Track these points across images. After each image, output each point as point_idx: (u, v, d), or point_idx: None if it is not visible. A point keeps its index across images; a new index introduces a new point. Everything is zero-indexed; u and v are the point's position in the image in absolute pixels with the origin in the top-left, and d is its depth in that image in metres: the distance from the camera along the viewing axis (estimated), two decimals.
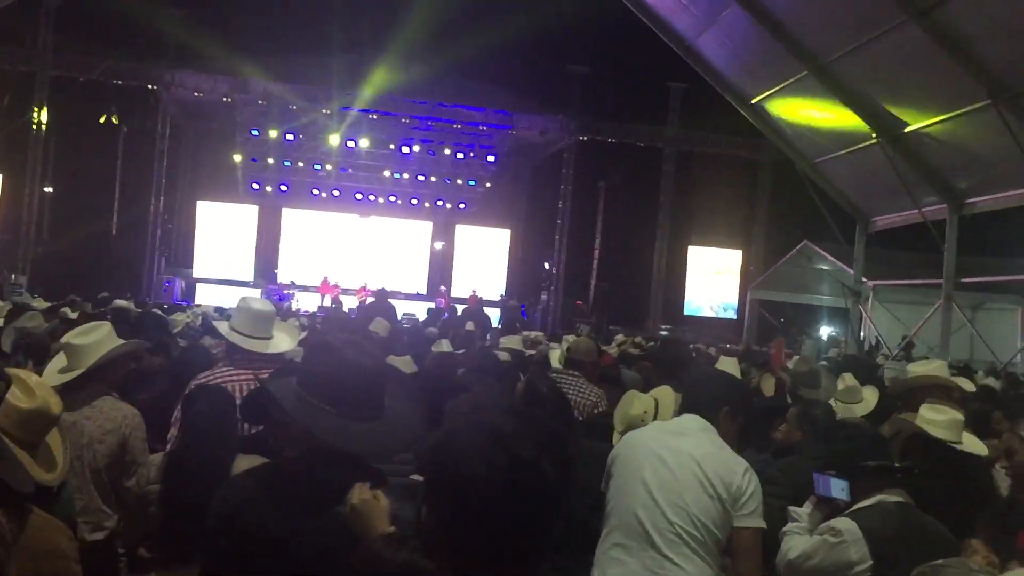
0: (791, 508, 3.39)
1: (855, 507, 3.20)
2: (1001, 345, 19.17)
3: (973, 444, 3.96)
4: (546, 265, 30.12)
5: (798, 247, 23.69)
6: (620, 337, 14.09)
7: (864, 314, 21.39)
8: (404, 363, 5.51)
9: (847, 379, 5.33)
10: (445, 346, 6.97)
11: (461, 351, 7.61)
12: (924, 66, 15.29)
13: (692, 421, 3.26)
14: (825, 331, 25.65)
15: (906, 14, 14.46)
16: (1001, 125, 14.59)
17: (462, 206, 29.49)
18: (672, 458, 3.08)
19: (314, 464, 2.11)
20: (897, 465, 3.38)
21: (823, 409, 4.16)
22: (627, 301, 29.71)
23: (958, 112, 15.69)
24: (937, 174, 17.95)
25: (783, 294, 26.61)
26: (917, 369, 5.67)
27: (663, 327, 27.49)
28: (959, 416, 3.93)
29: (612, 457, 3.32)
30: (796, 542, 3.18)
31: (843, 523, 3.10)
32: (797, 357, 8.17)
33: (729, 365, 5.96)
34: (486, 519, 1.41)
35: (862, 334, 21.46)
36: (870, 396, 5.31)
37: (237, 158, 27.22)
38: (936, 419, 3.91)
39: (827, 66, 17.25)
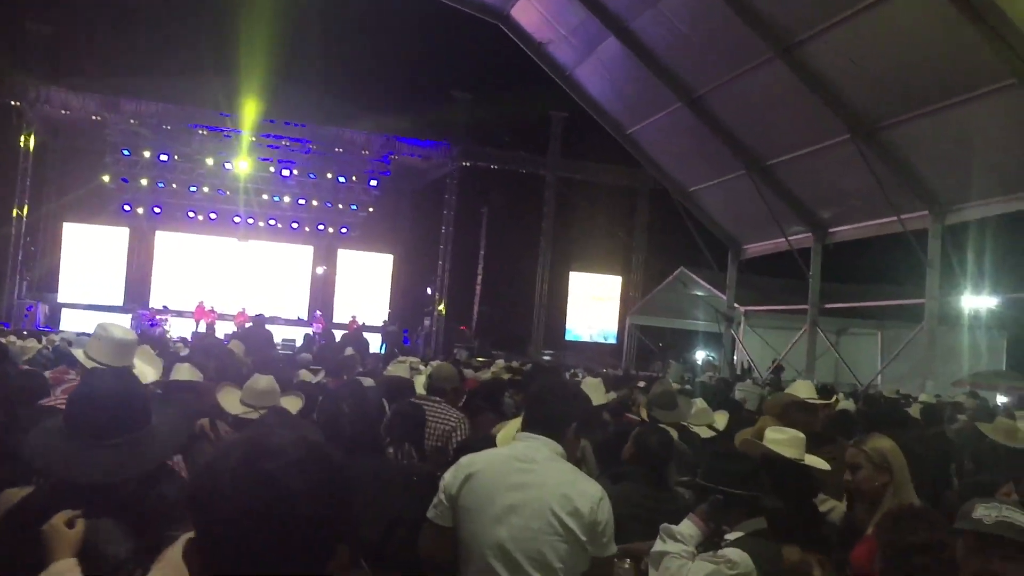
0: (667, 526, 3.32)
1: (738, 535, 3.21)
2: (863, 368, 20.04)
3: (815, 461, 4.07)
4: (428, 290, 30.00)
5: (675, 274, 24.29)
6: (500, 362, 14.10)
7: (736, 338, 22.06)
8: (266, 382, 5.32)
9: (699, 403, 5.47)
10: (306, 375, 6.77)
11: (321, 376, 7.42)
12: (789, 101, 15.99)
13: (540, 448, 3.06)
14: (700, 355, 26.33)
15: (772, 51, 15.11)
16: (860, 159, 15.36)
17: (344, 231, 29.09)
18: (524, 505, 2.92)
19: (51, 497, 2.14)
20: (754, 495, 3.39)
21: (658, 435, 4.20)
22: (510, 326, 29.87)
23: (820, 146, 16.43)
24: (802, 204, 18.75)
25: (661, 319, 27.24)
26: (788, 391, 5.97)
27: (545, 352, 27.70)
28: (800, 435, 4.04)
29: (457, 492, 3.03)
30: (693, 569, 3.12)
31: (736, 554, 3.10)
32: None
33: (594, 387, 5.98)
34: (231, 530, 1.33)
35: (735, 358, 22.11)
36: (720, 419, 5.47)
37: (107, 178, 26.19)
38: (779, 438, 4.01)
39: (699, 99, 17.83)
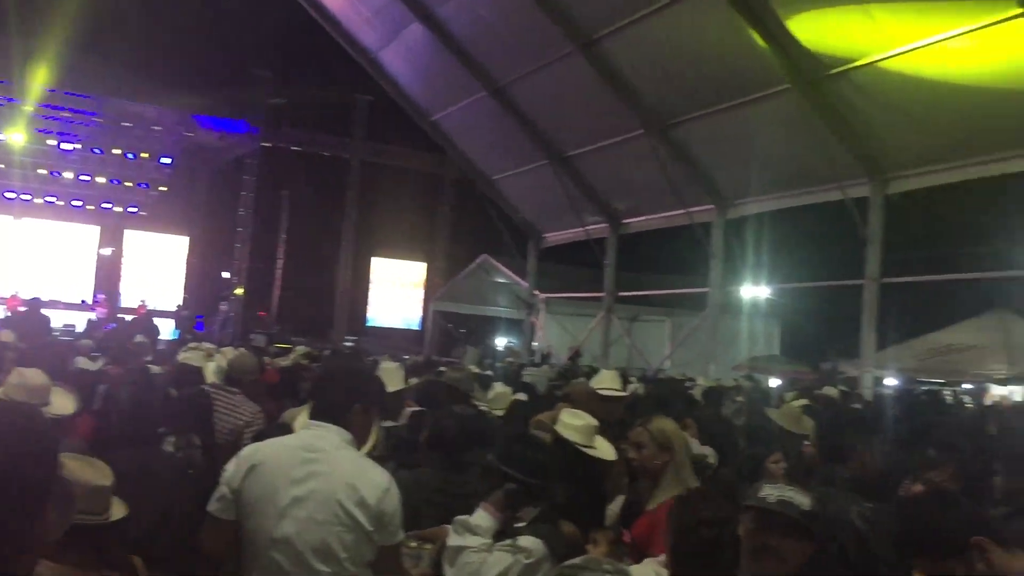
0: (462, 518, 3.30)
1: (527, 522, 3.25)
2: (654, 353, 21.04)
3: (604, 448, 4.21)
4: (226, 274, 28.90)
5: (478, 261, 24.57)
6: (300, 349, 13.77)
7: (536, 325, 22.61)
8: (34, 375, 4.92)
9: (498, 387, 5.57)
10: (84, 362, 6.36)
11: (101, 363, 6.99)
12: (588, 95, 16.47)
13: (327, 437, 2.98)
14: (502, 341, 26.80)
15: (572, 45, 15.51)
16: (652, 154, 16.09)
17: (133, 210, 27.51)
18: (310, 497, 2.86)
19: None
20: (548, 485, 3.44)
21: (453, 420, 4.24)
22: (311, 312, 29.29)
23: (617, 140, 17.07)
24: (599, 195, 19.42)
25: (464, 306, 27.48)
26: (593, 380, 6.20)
27: (348, 338, 27.36)
28: (593, 422, 4.18)
29: (240, 484, 2.91)
30: (492, 561, 3.11)
31: (530, 542, 3.12)
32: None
33: (391, 372, 5.93)
34: None
35: (535, 344, 22.64)
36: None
37: None
38: (573, 423, 4.12)
39: (502, 88, 18.06)
